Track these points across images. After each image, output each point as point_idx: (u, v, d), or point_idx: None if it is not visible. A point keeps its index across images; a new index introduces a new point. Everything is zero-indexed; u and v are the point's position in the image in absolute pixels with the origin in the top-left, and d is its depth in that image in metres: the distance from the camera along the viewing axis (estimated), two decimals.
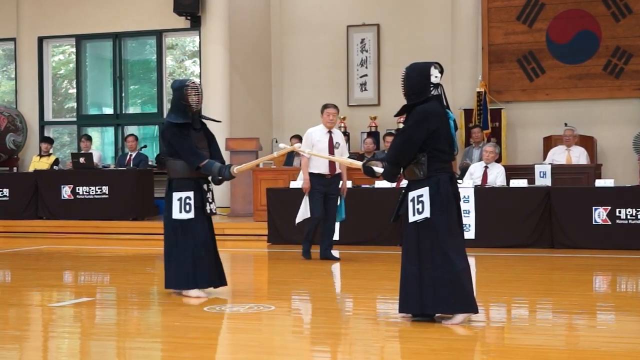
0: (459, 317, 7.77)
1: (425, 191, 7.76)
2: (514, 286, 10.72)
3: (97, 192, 18.58)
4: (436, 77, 7.94)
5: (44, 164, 20.29)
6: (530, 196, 14.84)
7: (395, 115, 8.46)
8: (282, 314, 8.71)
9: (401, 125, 19.44)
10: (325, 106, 13.56)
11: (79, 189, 18.74)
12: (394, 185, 13.69)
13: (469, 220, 14.83)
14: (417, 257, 7.76)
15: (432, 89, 7.89)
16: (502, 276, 11.71)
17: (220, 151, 9.83)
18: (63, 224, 18.48)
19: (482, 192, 15.02)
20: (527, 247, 14.56)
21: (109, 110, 22.66)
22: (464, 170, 16.58)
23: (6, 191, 19.43)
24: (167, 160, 9.57)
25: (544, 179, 15.74)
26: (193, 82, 9.47)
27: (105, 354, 6.96)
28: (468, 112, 19.53)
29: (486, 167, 15.65)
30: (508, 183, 15.28)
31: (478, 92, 19.35)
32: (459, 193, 8.02)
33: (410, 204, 7.82)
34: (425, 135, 7.74)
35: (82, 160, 18.98)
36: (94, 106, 23.02)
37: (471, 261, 13.24)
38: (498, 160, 17.09)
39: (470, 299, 7.80)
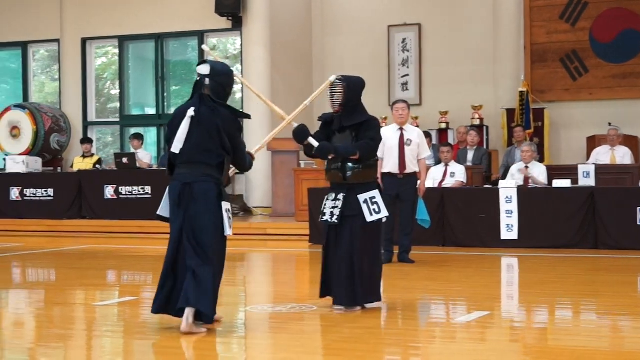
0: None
1: (376, 193, 8.57)
2: (557, 287, 10.65)
3: (139, 192, 18.67)
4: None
5: (87, 164, 20.43)
6: (574, 196, 14.74)
7: (342, 130, 8.67)
8: (324, 314, 8.71)
9: (443, 125, 19.47)
10: (394, 103, 13.31)
11: (122, 189, 18.85)
12: (436, 185, 13.40)
13: (512, 220, 14.74)
14: (367, 253, 8.51)
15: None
16: (545, 277, 11.64)
17: None
18: (106, 223, 18.59)
19: (525, 192, 14.93)
20: (570, 247, 14.46)
21: (151, 111, 22.77)
22: (506, 170, 16.51)
23: (50, 191, 19.58)
24: (226, 158, 7.70)
25: (587, 179, 15.62)
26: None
27: (147, 353, 6.99)
28: (510, 112, 19.43)
29: (526, 167, 15.55)
30: (551, 183, 15.18)
31: (520, 92, 19.23)
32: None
33: (364, 205, 8.50)
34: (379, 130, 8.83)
35: (125, 160, 19.09)
36: (136, 106, 23.14)
37: (514, 262, 13.23)
38: (540, 160, 16.99)
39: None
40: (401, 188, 12.61)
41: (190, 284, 7.42)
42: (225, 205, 7.63)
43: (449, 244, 15.03)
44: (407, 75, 21.28)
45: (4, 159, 21.15)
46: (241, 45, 21.53)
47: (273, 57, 20.68)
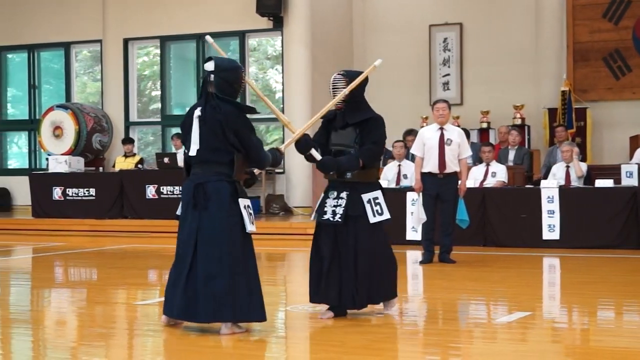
0: (394, 304, 8.54)
1: (379, 194, 8.29)
2: (599, 288, 10.58)
3: (181, 191, 18.71)
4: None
5: (129, 163, 20.54)
6: (617, 196, 14.64)
7: (345, 127, 8.34)
8: (364, 314, 8.69)
9: (484, 125, 19.36)
10: (434, 102, 13.25)
11: (163, 189, 18.92)
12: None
13: (554, 220, 14.66)
14: (371, 254, 8.21)
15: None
16: (587, 277, 11.56)
17: None
18: (148, 223, 18.67)
19: (567, 192, 14.84)
20: (613, 248, 14.35)
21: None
22: (547, 170, 16.42)
23: (92, 191, 19.70)
24: (236, 155, 7.55)
25: (630, 179, 15.48)
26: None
27: (188, 352, 7.01)
28: (552, 112, 19.32)
29: (568, 167, 15.45)
30: (593, 183, 15.08)
31: (563, 91, 19.12)
32: None
33: (367, 206, 8.22)
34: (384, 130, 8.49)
35: (166, 160, 19.16)
36: (177, 107, 23.24)
37: (555, 262, 13.14)
38: (582, 160, 16.88)
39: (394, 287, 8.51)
40: (441, 188, 12.59)
41: (207, 297, 7.34)
42: (243, 202, 7.56)
43: (490, 244, 14.97)
44: (448, 74, 21.22)
45: (47, 159, 21.31)
46: (282, 45, 21.55)
47: (314, 57, 20.69)
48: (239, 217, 7.50)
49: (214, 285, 7.31)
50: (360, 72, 8.45)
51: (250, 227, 7.51)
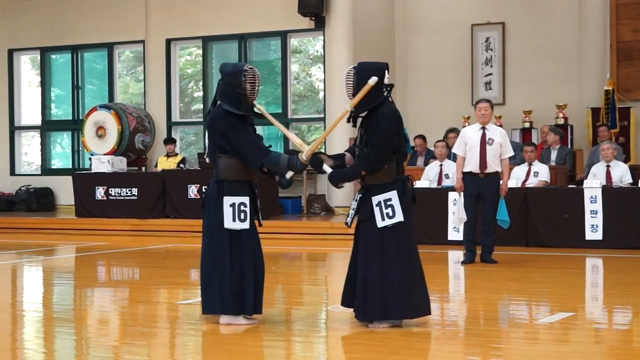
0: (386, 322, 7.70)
1: (393, 195, 7.67)
2: None
3: None
4: (387, 77, 7.80)
5: (171, 163, 20.64)
6: None
7: (353, 118, 7.95)
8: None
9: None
10: (476, 102, 13.22)
11: (205, 188, 18.96)
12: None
13: (597, 221, 14.56)
14: (381, 261, 7.62)
15: (384, 90, 7.75)
16: (630, 278, 11.48)
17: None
18: (190, 222, 18.70)
19: (610, 192, 14.73)
20: None
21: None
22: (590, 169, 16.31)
23: (135, 190, 19.82)
24: (218, 158, 8.06)
25: None
26: (251, 68, 8.08)
27: (230, 351, 7.04)
28: (595, 111, 19.19)
29: (608, 166, 15.32)
30: (636, 182, 14.96)
31: (606, 91, 18.98)
32: (414, 195, 7.98)
33: (376, 209, 7.67)
34: (396, 138, 7.75)
35: (207, 160, 19.21)
36: None
37: (598, 262, 13.06)
38: (626, 160, 16.74)
39: (426, 300, 7.82)
40: (482, 188, 12.55)
41: (202, 290, 8.04)
42: (229, 201, 7.90)
43: (532, 244, 14.90)
44: (490, 74, 21.13)
45: (90, 159, 21.47)
46: (324, 45, 21.56)
47: (355, 57, 20.64)
48: (222, 215, 7.89)
49: (202, 280, 8.05)
50: (371, 62, 7.99)
51: (228, 224, 7.86)
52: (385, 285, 7.58)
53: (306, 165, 7.96)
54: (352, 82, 7.80)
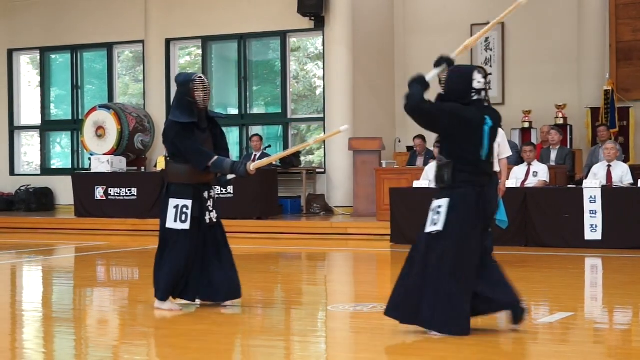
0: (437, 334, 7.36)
1: (445, 202, 7.38)
2: None
3: (221, 191, 18.78)
4: (479, 82, 7.60)
5: None
6: None
7: None
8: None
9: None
10: None
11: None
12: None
13: (596, 221, 14.55)
14: (423, 270, 7.36)
15: (473, 94, 7.56)
16: (629, 278, 11.48)
17: (229, 153, 9.19)
18: None
19: (609, 192, 14.73)
20: None
21: (234, 111, 22.91)
22: (590, 170, 16.31)
23: (134, 190, 19.82)
24: (167, 163, 8.85)
25: None
26: (200, 77, 8.76)
27: (230, 351, 7.04)
28: (595, 111, 19.19)
29: (609, 166, 15.33)
30: (636, 183, 14.96)
31: (605, 91, 18.99)
32: (487, 212, 7.54)
33: (430, 213, 7.46)
34: (444, 124, 7.44)
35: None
36: (219, 106, 23.30)
37: (598, 262, 13.06)
38: (625, 160, 16.73)
39: (459, 320, 7.33)
40: None
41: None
42: (174, 202, 8.61)
43: (532, 244, 14.89)
44: (490, 74, 21.12)
45: (89, 159, 21.47)
46: (323, 45, 21.56)
47: (355, 57, 20.68)
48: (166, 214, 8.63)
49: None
50: (465, 67, 7.94)
51: (169, 224, 8.58)
52: (422, 294, 7.35)
53: (250, 174, 8.72)
54: (444, 85, 7.71)
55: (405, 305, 7.41)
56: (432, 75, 7.74)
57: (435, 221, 7.36)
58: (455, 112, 7.47)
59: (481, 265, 7.45)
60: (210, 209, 8.78)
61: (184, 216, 8.57)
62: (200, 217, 8.68)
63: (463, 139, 7.44)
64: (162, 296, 8.73)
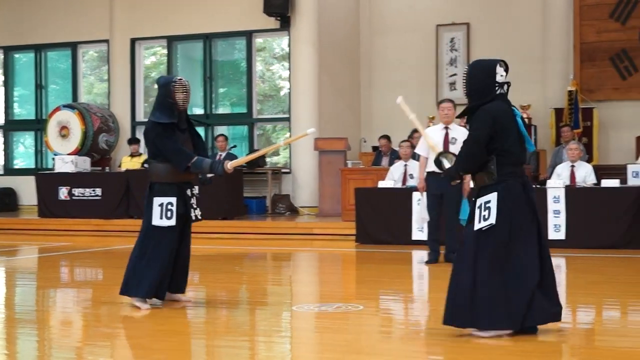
0: (491, 332, 7.23)
1: (493, 197, 7.24)
2: (605, 288, 10.57)
3: None
4: (502, 75, 7.52)
5: (135, 163, 20.57)
6: (623, 196, 14.62)
7: (458, 117, 8.09)
8: (370, 314, 8.70)
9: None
10: (439, 102, 13.31)
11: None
12: None
13: (559, 220, 14.64)
14: (472, 267, 7.24)
15: (497, 88, 7.47)
16: (592, 277, 11.55)
17: (208, 154, 9.39)
18: None
19: (573, 192, 14.82)
20: (618, 248, 14.33)
21: (199, 111, 22.87)
22: (554, 170, 16.41)
23: (99, 190, 19.74)
24: (149, 163, 9.11)
25: (636, 179, 15.46)
26: (180, 79, 8.95)
27: (195, 352, 7.02)
28: (559, 112, 19.31)
29: (573, 166, 15.42)
30: (599, 183, 15.06)
31: (569, 91, 19.11)
32: (533, 201, 7.42)
33: (477, 211, 7.30)
34: (490, 137, 7.28)
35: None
36: None
37: (561, 262, 13.12)
38: (589, 160, 16.83)
39: (517, 315, 7.18)
40: (445, 188, 12.41)
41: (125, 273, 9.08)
42: (158, 201, 8.87)
43: None
44: (455, 74, 21.21)
45: (53, 159, 21.35)
46: (289, 45, 21.56)
47: (321, 57, 20.70)
48: (151, 213, 8.90)
49: (129, 265, 9.06)
50: (487, 61, 7.67)
51: (156, 221, 8.84)
52: (474, 293, 7.23)
53: (228, 172, 8.90)
54: (465, 80, 7.58)
55: (460, 310, 7.29)
56: (446, 165, 7.77)
57: (486, 216, 7.23)
58: (493, 116, 7.34)
59: (540, 258, 7.36)
60: (194, 206, 9.08)
61: (169, 213, 8.84)
62: (186, 214, 8.97)
63: (504, 136, 7.32)
64: (145, 294, 8.89)
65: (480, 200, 7.32)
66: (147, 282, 8.86)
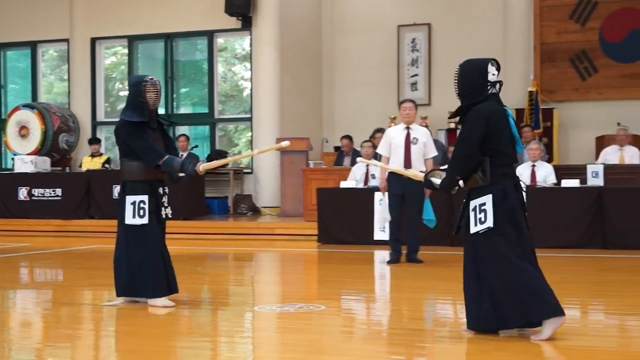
0: (547, 327, 7.15)
1: (488, 199, 7.13)
2: (565, 287, 10.60)
3: None
4: (493, 74, 7.41)
5: (95, 163, 20.47)
6: (583, 196, 14.73)
7: (450, 118, 8.11)
8: (332, 314, 8.70)
9: (452, 126, 19.35)
10: (401, 102, 13.33)
11: None
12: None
13: None
14: (476, 272, 7.25)
15: (489, 87, 7.39)
16: (553, 277, 11.53)
17: (178, 153, 9.44)
18: (114, 223, 18.48)
19: (533, 192, 14.88)
20: (579, 247, 14.44)
21: (160, 111, 22.71)
22: None
23: (59, 191, 19.61)
24: (121, 162, 9.11)
25: (596, 179, 15.59)
26: (152, 79, 9.12)
27: (156, 352, 6.99)
28: (519, 112, 19.40)
29: (533, 166, 15.51)
30: (560, 183, 15.16)
31: (530, 92, 19.21)
32: (524, 201, 7.37)
33: (471, 214, 7.20)
34: (483, 137, 7.20)
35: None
36: None
37: None
38: (549, 160, 16.92)
39: (549, 302, 7.18)
40: (407, 187, 12.45)
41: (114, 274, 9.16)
42: (130, 199, 8.89)
43: (457, 244, 14.92)
44: (416, 75, 21.27)
45: (13, 159, 21.20)
46: (250, 45, 21.54)
47: (282, 57, 20.69)
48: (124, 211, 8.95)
49: (114, 266, 9.16)
50: (477, 60, 7.51)
51: (128, 220, 8.89)
52: (480, 298, 7.20)
53: (199, 173, 8.98)
54: (456, 81, 7.49)
55: (475, 314, 7.28)
56: (438, 181, 7.76)
57: (482, 219, 7.14)
58: (485, 117, 7.29)
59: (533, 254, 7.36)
60: (166, 204, 9.10)
61: (141, 211, 8.87)
62: (157, 212, 8.99)
63: (497, 137, 7.26)
64: (155, 293, 8.91)
65: (474, 203, 7.23)
66: (151, 281, 8.90)
